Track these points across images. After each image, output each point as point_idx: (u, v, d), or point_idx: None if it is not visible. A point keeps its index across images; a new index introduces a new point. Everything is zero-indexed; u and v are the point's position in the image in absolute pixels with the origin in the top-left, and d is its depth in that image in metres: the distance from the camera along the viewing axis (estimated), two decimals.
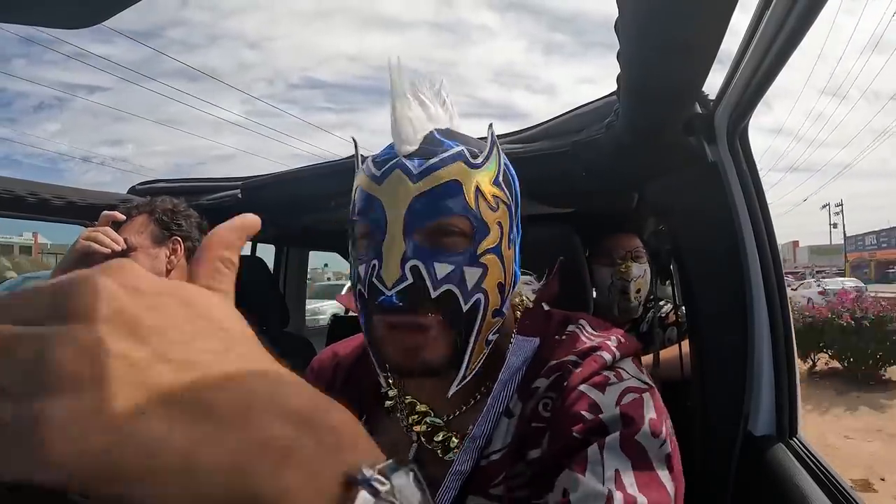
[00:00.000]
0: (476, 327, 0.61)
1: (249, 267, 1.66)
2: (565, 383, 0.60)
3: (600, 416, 0.55)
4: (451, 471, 0.60)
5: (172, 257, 1.33)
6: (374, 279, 0.59)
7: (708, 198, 1.01)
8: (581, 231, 1.20)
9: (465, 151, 0.62)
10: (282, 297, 1.76)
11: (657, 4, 0.57)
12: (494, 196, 0.63)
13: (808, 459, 0.84)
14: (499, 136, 1.17)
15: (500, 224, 0.63)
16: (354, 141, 0.70)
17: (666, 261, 1.34)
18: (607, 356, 0.62)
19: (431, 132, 0.62)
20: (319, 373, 0.80)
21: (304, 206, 1.53)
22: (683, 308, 1.27)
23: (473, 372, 0.63)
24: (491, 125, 0.66)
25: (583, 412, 0.56)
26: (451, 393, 0.62)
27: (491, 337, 0.64)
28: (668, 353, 1.35)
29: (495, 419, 0.63)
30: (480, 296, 0.60)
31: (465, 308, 0.60)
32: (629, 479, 0.51)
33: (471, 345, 0.61)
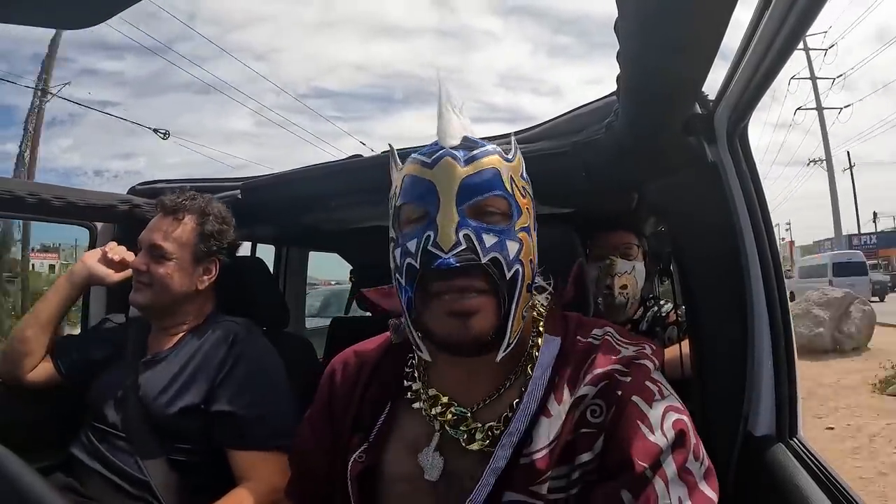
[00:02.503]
0: (516, 295, 0.68)
1: (249, 267, 1.66)
2: (618, 392, 0.66)
3: (656, 443, 0.62)
4: (488, 467, 0.66)
5: (205, 277, 1.32)
6: (429, 247, 0.66)
7: (708, 198, 1.01)
8: (579, 231, 1.20)
9: (500, 148, 0.73)
10: (281, 298, 1.76)
11: (657, 5, 0.57)
12: (523, 186, 0.74)
13: (808, 459, 0.84)
14: (498, 136, 1.18)
15: (528, 209, 0.73)
16: (391, 147, 0.82)
17: (666, 261, 1.34)
18: (650, 365, 0.70)
19: (467, 135, 0.72)
20: (343, 371, 0.85)
21: (304, 207, 1.53)
22: (683, 307, 1.27)
23: (514, 343, 0.69)
24: (512, 134, 0.81)
25: (639, 428, 0.63)
26: (498, 357, 0.68)
27: (525, 313, 0.71)
28: (669, 352, 1.34)
29: (531, 417, 0.68)
30: (519, 267, 0.68)
31: (508, 275, 0.67)
32: (686, 501, 0.60)
33: (512, 313, 0.67)
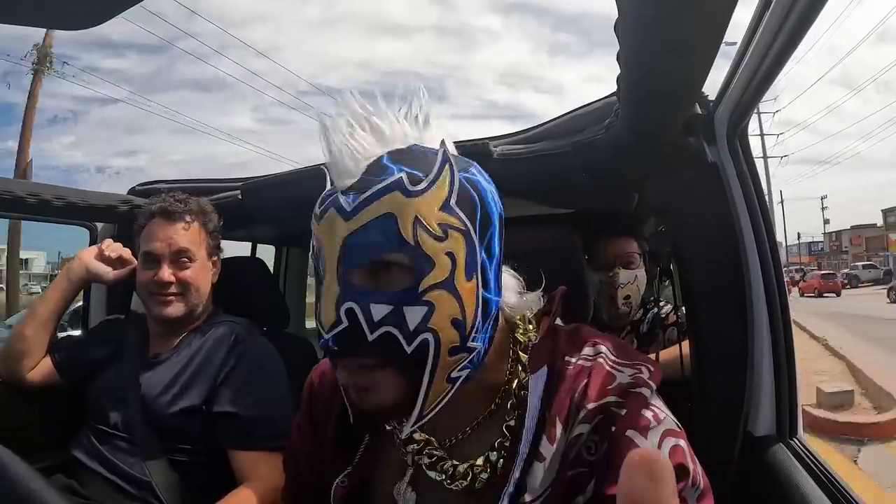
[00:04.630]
0: (428, 366, 0.57)
1: (249, 268, 1.66)
2: (613, 429, 0.58)
3: None
4: None
5: (214, 270, 1.35)
6: (318, 321, 0.58)
7: (708, 198, 1.01)
8: (581, 232, 1.20)
9: (405, 178, 0.56)
10: (282, 298, 1.76)
11: (657, 5, 0.57)
12: (441, 224, 0.57)
13: (807, 459, 0.84)
14: (499, 137, 1.18)
15: (450, 254, 0.57)
16: (326, 169, 0.63)
17: (666, 261, 1.34)
18: (647, 393, 0.61)
19: (379, 158, 0.58)
20: (322, 387, 0.78)
21: (304, 207, 1.52)
22: (683, 308, 1.27)
23: (434, 411, 0.59)
24: (443, 141, 0.60)
25: None
26: (403, 434, 0.63)
27: (456, 374, 0.59)
28: (668, 353, 1.34)
29: (525, 462, 0.60)
30: (428, 335, 0.56)
31: (408, 350, 0.56)
32: None
33: (424, 384, 0.57)
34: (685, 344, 1.19)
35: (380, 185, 0.56)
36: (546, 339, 0.67)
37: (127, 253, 1.36)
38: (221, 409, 1.18)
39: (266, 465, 1.13)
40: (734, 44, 0.84)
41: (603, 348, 0.65)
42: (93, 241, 1.65)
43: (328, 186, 0.62)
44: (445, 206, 0.58)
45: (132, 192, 1.64)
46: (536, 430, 0.61)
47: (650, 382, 0.62)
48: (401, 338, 0.55)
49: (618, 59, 0.73)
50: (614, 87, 0.85)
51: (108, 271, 1.36)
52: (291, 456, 0.82)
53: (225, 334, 1.28)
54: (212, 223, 1.33)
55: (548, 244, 1.03)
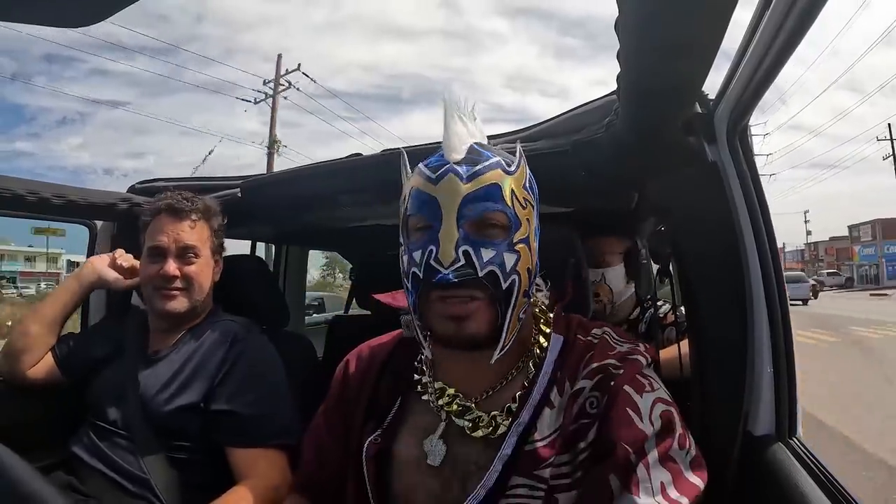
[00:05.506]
0: (512, 303, 0.73)
1: (249, 266, 1.66)
2: (612, 383, 0.72)
3: (643, 430, 0.68)
4: (498, 454, 0.73)
5: (217, 269, 1.37)
6: (431, 261, 0.71)
7: (708, 197, 1.01)
8: (579, 231, 1.20)
9: (502, 161, 0.76)
10: (281, 296, 1.76)
11: (657, 4, 0.57)
12: (524, 198, 0.76)
13: (807, 459, 0.84)
14: (499, 136, 1.18)
15: (528, 220, 0.76)
16: (404, 152, 0.83)
17: (665, 260, 1.34)
18: (642, 360, 0.76)
19: (472, 145, 0.76)
20: (357, 363, 0.93)
21: (304, 205, 1.53)
22: (682, 308, 1.26)
23: (509, 345, 0.74)
24: (518, 141, 0.83)
25: (628, 415, 0.69)
26: (493, 359, 0.73)
27: (521, 315, 0.76)
28: (667, 352, 1.34)
29: (536, 408, 0.75)
30: (516, 277, 0.73)
31: (504, 286, 0.72)
32: (670, 487, 0.66)
33: (508, 318, 0.73)
34: (684, 343, 1.19)
35: (487, 162, 0.75)
36: (564, 317, 0.85)
37: (137, 263, 1.38)
38: (220, 406, 1.18)
39: (264, 463, 1.13)
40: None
41: (608, 329, 0.82)
42: (92, 240, 1.65)
43: (408, 170, 0.80)
44: (525, 186, 0.78)
45: (132, 190, 1.64)
46: (549, 384, 0.76)
47: (645, 354, 0.78)
48: (500, 276, 0.72)
49: (618, 58, 0.73)
50: (614, 89, 0.85)
51: (119, 279, 1.38)
52: (317, 443, 0.93)
53: (224, 332, 1.28)
54: (217, 222, 1.35)
55: (547, 243, 1.03)
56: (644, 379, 0.73)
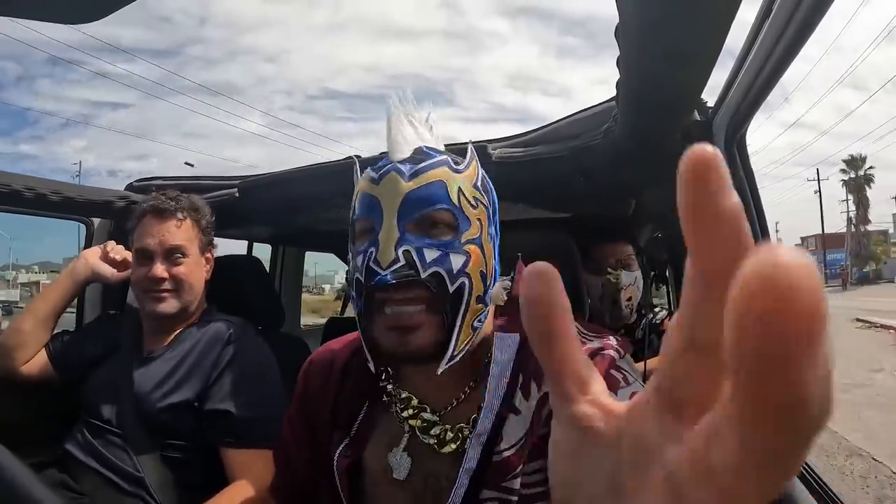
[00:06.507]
0: (462, 309, 0.67)
1: (245, 267, 1.66)
2: None
3: None
4: (462, 468, 0.66)
5: (207, 267, 1.35)
6: (370, 263, 0.66)
7: None
8: (576, 237, 1.20)
9: (450, 159, 0.71)
10: (277, 297, 1.76)
11: (657, 12, 0.57)
12: (474, 197, 0.72)
13: (802, 469, 0.85)
14: (498, 140, 1.18)
15: (479, 220, 0.71)
16: (356, 159, 0.80)
17: (662, 267, 1.35)
18: (613, 353, 0.68)
19: (420, 147, 0.72)
20: (318, 369, 0.85)
21: (301, 206, 1.53)
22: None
23: (460, 355, 0.68)
24: (469, 142, 0.78)
25: None
26: (440, 371, 0.67)
27: (476, 324, 0.70)
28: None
29: (497, 415, 0.68)
30: (465, 280, 0.67)
31: (451, 289, 0.66)
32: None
33: (457, 326, 0.67)
34: None
35: (432, 160, 0.70)
36: (517, 310, 0.69)
37: (129, 255, 1.36)
38: (214, 406, 1.18)
39: (259, 464, 1.12)
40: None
41: (576, 324, 0.69)
42: (89, 237, 1.64)
43: (356, 176, 0.76)
44: (475, 185, 0.73)
45: (129, 187, 1.64)
46: (510, 387, 0.69)
47: (617, 347, 0.70)
48: (446, 278, 0.66)
49: (618, 65, 0.74)
50: (613, 95, 0.85)
51: (111, 272, 1.37)
52: (282, 447, 0.88)
53: (219, 332, 1.28)
54: (204, 219, 1.33)
55: (544, 248, 1.03)
56: (618, 373, 0.67)
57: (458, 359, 0.68)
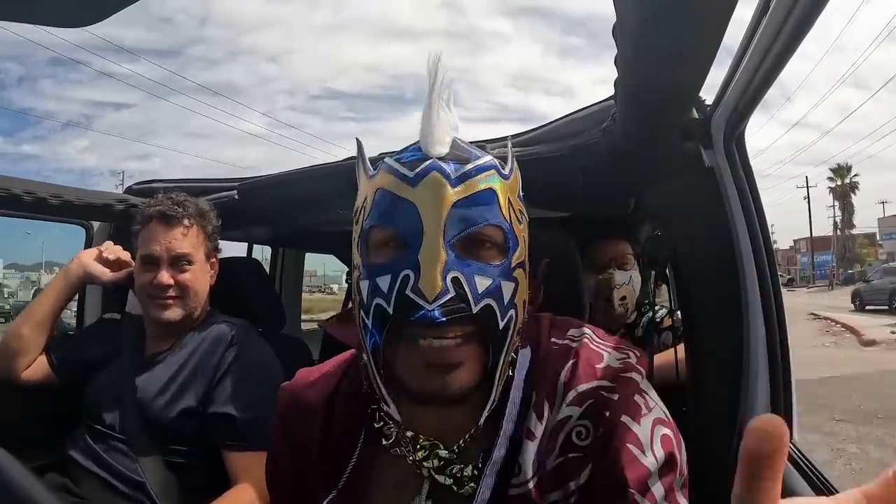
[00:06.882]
0: (507, 344, 0.57)
1: (245, 268, 1.66)
2: (606, 413, 0.56)
3: (647, 466, 0.55)
4: (475, 502, 0.56)
5: (212, 272, 1.35)
6: (408, 292, 0.52)
7: (704, 203, 1.01)
8: (576, 236, 1.20)
9: (496, 161, 0.59)
10: (278, 299, 1.76)
11: (655, 11, 0.57)
12: (519, 210, 0.60)
13: (801, 463, 0.85)
14: (496, 139, 1.18)
15: (524, 238, 0.60)
16: (359, 141, 0.65)
17: (662, 265, 1.35)
18: (637, 378, 0.60)
19: (455, 139, 0.58)
20: (297, 413, 0.70)
21: (301, 208, 1.53)
22: (679, 312, 1.27)
23: (497, 396, 0.58)
24: (509, 138, 0.66)
25: (630, 453, 0.55)
26: (481, 422, 0.58)
27: (511, 356, 0.60)
28: (664, 357, 1.35)
29: (512, 442, 0.58)
30: (513, 311, 0.56)
31: (500, 325, 0.55)
32: None
33: (500, 364, 0.56)
34: (680, 347, 1.19)
35: (480, 162, 0.57)
36: (529, 319, 0.64)
37: (125, 255, 1.36)
38: (217, 409, 1.18)
39: (261, 466, 1.12)
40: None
41: (587, 331, 0.64)
42: (88, 240, 1.64)
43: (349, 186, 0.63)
44: (518, 196, 0.61)
45: (129, 190, 1.64)
46: (523, 408, 0.59)
47: (639, 368, 0.61)
48: (497, 311, 0.55)
49: (616, 64, 0.74)
50: (611, 94, 0.85)
51: (106, 273, 1.35)
52: (278, 479, 0.75)
53: (221, 335, 1.27)
54: (210, 225, 1.33)
55: (544, 247, 1.03)
56: (640, 398, 0.58)
57: (496, 402, 0.57)
